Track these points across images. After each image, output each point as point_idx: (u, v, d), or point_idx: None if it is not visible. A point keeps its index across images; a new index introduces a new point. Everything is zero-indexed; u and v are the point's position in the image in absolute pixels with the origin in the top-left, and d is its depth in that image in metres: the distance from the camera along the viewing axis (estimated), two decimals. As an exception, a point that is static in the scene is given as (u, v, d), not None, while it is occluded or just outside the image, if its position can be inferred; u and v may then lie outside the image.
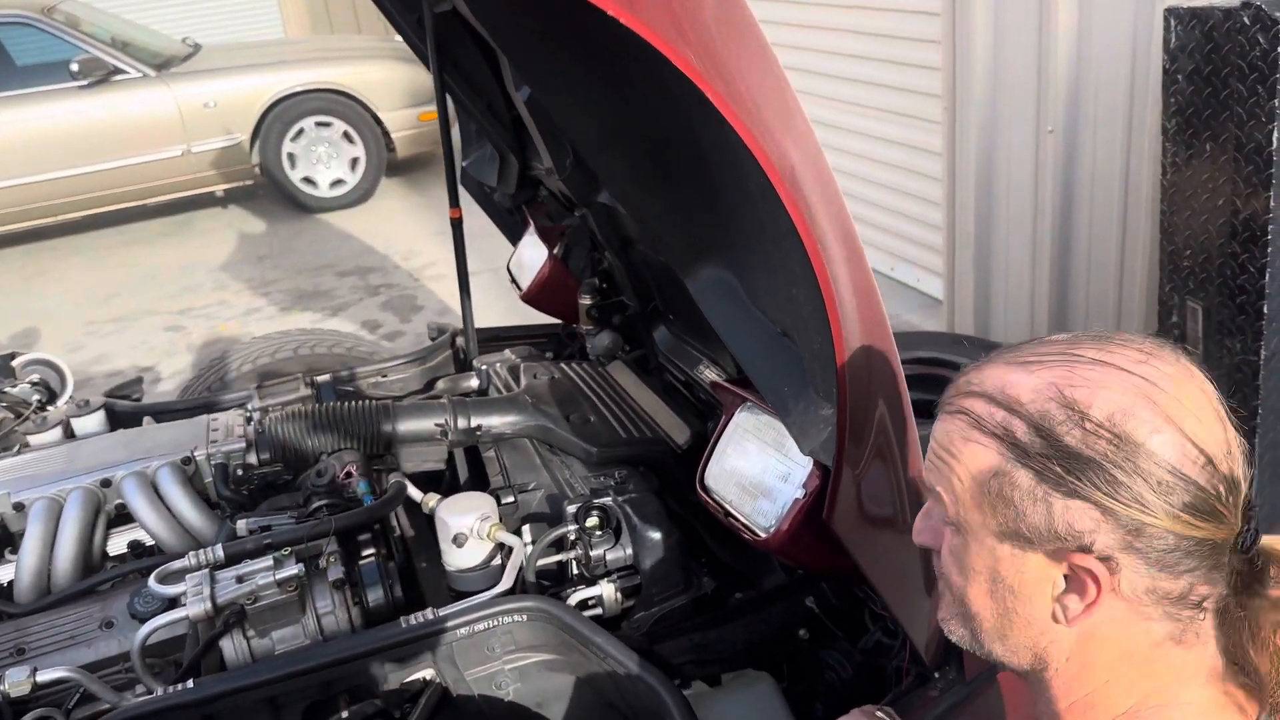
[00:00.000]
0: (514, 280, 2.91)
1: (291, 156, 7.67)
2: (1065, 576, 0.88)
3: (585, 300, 2.62)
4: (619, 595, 1.89)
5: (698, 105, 1.06)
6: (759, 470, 1.68)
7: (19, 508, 1.92)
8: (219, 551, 1.77)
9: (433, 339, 3.00)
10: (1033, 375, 0.89)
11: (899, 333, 4.45)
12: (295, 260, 6.83)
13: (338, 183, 7.82)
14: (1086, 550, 0.85)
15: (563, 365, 2.53)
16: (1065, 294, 3.56)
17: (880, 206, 5.08)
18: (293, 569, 1.70)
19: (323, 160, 7.77)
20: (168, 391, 4.88)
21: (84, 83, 7.11)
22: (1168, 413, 0.84)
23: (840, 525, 1.41)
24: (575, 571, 1.95)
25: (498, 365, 2.62)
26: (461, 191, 2.76)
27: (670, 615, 1.92)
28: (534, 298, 2.79)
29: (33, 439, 2.40)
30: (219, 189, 7.94)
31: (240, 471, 2.04)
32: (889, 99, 4.71)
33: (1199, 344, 2.34)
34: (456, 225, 2.70)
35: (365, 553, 1.92)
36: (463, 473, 2.39)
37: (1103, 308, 3.39)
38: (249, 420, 2.15)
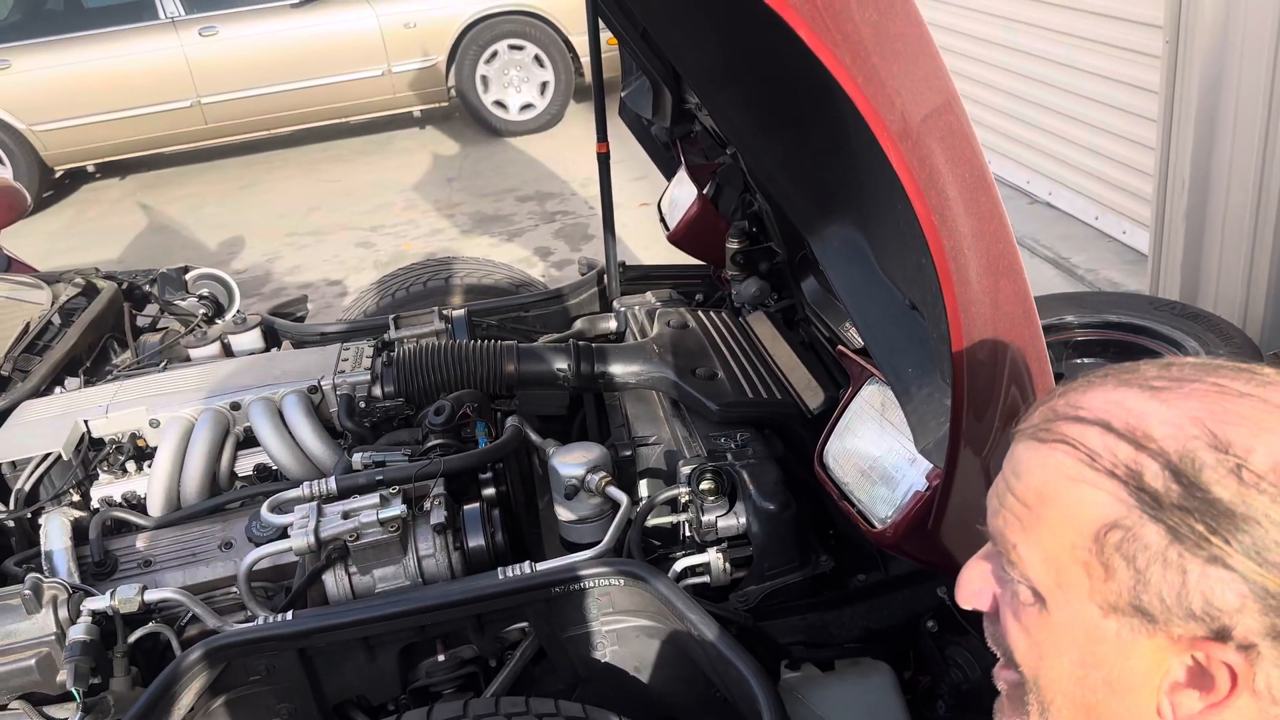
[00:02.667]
0: (663, 219, 2.80)
1: (485, 79, 7.77)
2: (1187, 666, 0.70)
3: (732, 244, 2.48)
4: (728, 565, 1.79)
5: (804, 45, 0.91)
6: (882, 452, 1.53)
7: (155, 424, 2.00)
8: (331, 484, 1.78)
9: (582, 274, 2.94)
10: (1166, 404, 0.70)
11: (1089, 293, 4.06)
12: (481, 183, 6.95)
13: (527, 106, 7.89)
14: (1224, 635, 0.67)
15: (699, 313, 2.41)
16: (1292, 260, 3.12)
17: (1086, 148, 4.63)
18: (396, 509, 1.68)
19: (514, 84, 7.84)
20: (349, 306, 5.07)
21: (296, 0, 7.39)
22: None
23: (950, 538, 1.25)
24: (687, 534, 1.86)
25: (637, 308, 2.53)
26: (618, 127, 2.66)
27: (783, 591, 1.80)
28: (681, 239, 2.67)
29: (193, 352, 2.51)
30: (416, 109, 8.17)
31: (364, 404, 2.05)
32: (1099, 27, 4.26)
33: None
34: (603, 160, 2.60)
35: (486, 492, 1.89)
36: (590, 419, 2.33)
37: (1335, 279, 2.95)
38: (377, 352, 2.16)
